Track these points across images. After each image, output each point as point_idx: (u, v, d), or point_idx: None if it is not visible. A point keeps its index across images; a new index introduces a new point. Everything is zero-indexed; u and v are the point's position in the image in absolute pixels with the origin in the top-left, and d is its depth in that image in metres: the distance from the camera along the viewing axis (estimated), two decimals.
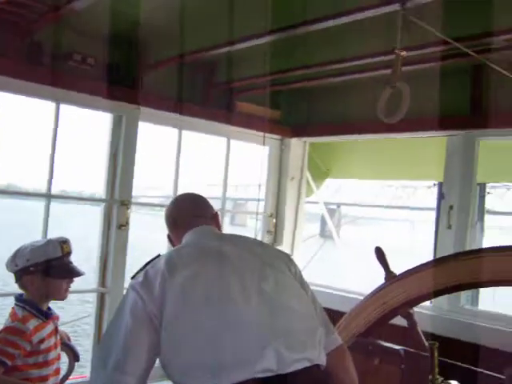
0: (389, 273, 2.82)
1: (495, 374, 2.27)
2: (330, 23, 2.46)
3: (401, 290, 2.73)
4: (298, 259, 4.32)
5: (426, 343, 2.61)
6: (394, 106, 2.15)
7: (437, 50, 2.60)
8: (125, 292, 1.61)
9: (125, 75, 3.27)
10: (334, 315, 2.98)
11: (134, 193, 3.43)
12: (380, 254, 2.87)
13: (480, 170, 3.28)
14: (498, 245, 2.41)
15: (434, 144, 3.63)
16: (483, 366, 2.45)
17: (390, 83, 2.12)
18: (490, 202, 3.87)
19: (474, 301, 3.43)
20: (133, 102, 3.30)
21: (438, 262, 2.65)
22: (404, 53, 2.09)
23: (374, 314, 2.81)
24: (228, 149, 3.98)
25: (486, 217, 3.69)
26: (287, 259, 1.84)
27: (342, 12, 2.37)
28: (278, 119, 4.06)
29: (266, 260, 1.73)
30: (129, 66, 3.28)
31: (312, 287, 3.98)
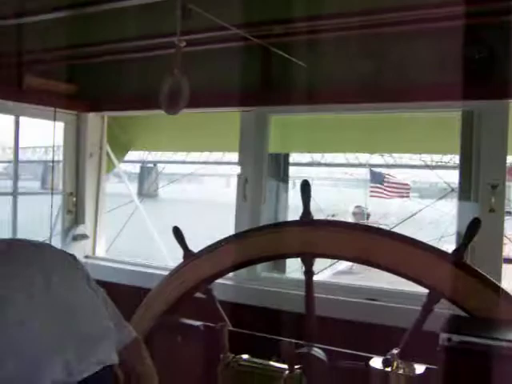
0: (186, 251, 2.89)
1: (289, 340, 2.45)
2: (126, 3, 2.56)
3: (197, 268, 2.83)
4: (103, 236, 4.24)
5: (226, 318, 2.78)
6: (176, 95, 2.16)
7: (222, 33, 2.69)
8: None
9: None
10: (142, 293, 3.04)
11: None
12: (178, 233, 2.92)
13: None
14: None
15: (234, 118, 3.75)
16: (280, 330, 2.67)
17: (171, 75, 2.13)
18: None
19: (282, 268, 3.67)
20: None
21: (229, 240, 2.78)
22: (184, 44, 2.10)
23: (174, 293, 2.88)
24: (17, 127, 3.66)
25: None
26: (71, 263, 1.76)
27: None
28: (74, 94, 3.85)
29: (47, 269, 1.64)
30: None
31: (117, 265, 3.96)
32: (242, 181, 3.43)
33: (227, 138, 4.11)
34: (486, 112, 2.77)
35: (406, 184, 20.14)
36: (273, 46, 2.93)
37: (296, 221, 2.62)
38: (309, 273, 2.59)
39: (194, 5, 2.21)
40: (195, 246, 2.95)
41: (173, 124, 4.08)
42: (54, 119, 3.41)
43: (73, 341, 1.48)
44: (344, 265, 10.56)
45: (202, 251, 2.85)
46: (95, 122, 4.07)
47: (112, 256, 4.21)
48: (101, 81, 3.91)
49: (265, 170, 3.42)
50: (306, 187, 2.56)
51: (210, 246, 2.84)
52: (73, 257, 1.80)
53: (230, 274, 3.10)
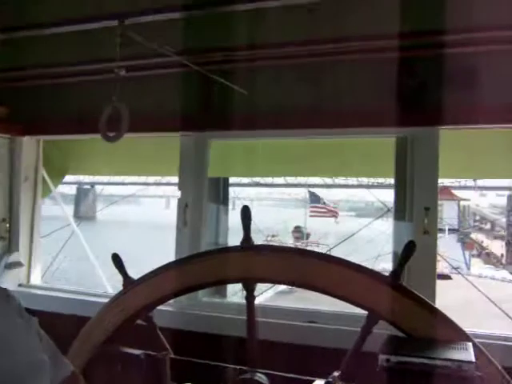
0: (126, 278, 2.84)
1: (232, 366, 2.44)
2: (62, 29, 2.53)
3: (138, 295, 2.78)
4: (39, 263, 4.10)
5: (167, 346, 2.74)
6: (115, 123, 2.15)
7: (162, 60, 2.71)
8: None
9: None
10: (80, 322, 2.95)
11: None
12: (117, 260, 2.86)
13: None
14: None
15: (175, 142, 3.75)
16: (222, 355, 2.66)
17: (110, 102, 2.12)
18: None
19: (223, 293, 3.66)
20: None
21: (170, 267, 2.75)
22: (123, 72, 2.10)
23: (113, 321, 2.80)
24: None
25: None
26: (3, 297, 1.70)
27: (65, 21, 2.46)
28: (6, 117, 3.73)
29: None
30: None
31: (54, 293, 3.83)
32: (183, 206, 3.41)
33: (167, 162, 4.11)
34: (418, 138, 2.90)
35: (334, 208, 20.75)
36: (213, 73, 2.97)
37: (236, 246, 2.63)
38: (250, 298, 2.59)
39: (134, 31, 2.21)
40: (135, 269, 2.90)
41: (111, 148, 4.01)
42: None
43: (3, 378, 1.42)
44: (285, 285, 10.64)
45: (142, 278, 2.80)
46: (30, 146, 3.95)
47: (48, 283, 4.08)
48: (35, 104, 3.82)
49: (205, 194, 3.42)
50: (246, 212, 2.58)
51: (150, 273, 2.80)
52: (6, 293, 1.73)
53: (171, 300, 3.06)
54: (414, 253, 2.26)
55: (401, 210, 3.05)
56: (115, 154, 4.16)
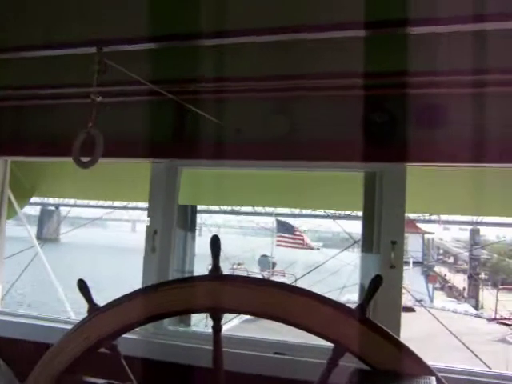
0: (91, 305, 2.79)
1: None
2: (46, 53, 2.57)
3: (102, 323, 2.72)
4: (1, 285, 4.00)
5: (131, 376, 2.69)
6: (89, 150, 2.14)
7: (141, 88, 2.73)
8: None
9: None
10: (41, 349, 2.87)
11: None
12: (82, 286, 2.82)
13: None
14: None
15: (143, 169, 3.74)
16: None
17: (85, 128, 2.11)
18: None
19: (187, 321, 3.63)
20: None
21: (136, 295, 2.72)
22: (100, 98, 2.11)
23: (76, 349, 2.73)
24: None
25: None
26: None
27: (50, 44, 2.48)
28: None
29: None
30: None
31: (14, 318, 3.73)
32: (151, 232, 3.39)
33: (136, 187, 4.09)
34: (386, 173, 2.97)
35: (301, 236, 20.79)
36: (186, 102, 3.00)
37: (205, 276, 2.62)
38: (217, 327, 2.58)
39: (109, 59, 2.22)
40: (100, 295, 2.85)
41: (80, 171, 3.99)
42: None
43: None
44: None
45: (107, 305, 2.75)
46: None
47: (8, 307, 3.96)
48: (3, 125, 3.78)
49: (175, 221, 3.41)
50: (215, 242, 2.58)
51: (116, 300, 2.75)
52: None
53: (136, 328, 3.02)
54: (380, 287, 2.30)
55: (368, 243, 3.10)
56: (84, 177, 4.12)
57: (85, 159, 2.16)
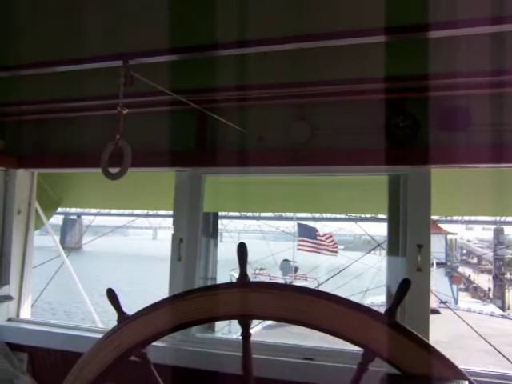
0: (121, 314, 2.82)
1: None
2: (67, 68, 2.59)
3: (132, 331, 2.75)
4: (29, 296, 4.07)
5: (161, 382, 2.71)
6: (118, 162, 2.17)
7: (164, 98, 2.77)
8: None
9: None
10: (72, 358, 2.91)
11: None
12: (112, 295, 2.85)
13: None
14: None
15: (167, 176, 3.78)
16: None
17: (113, 140, 2.15)
18: None
19: (212, 328, 3.66)
20: None
21: (165, 303, 2.74)
22: (127, 111, 2.14)
23: (107, 358, 2.77)
24: None
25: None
26: None
27: (76, 59, 2.51)
28: (1, 149, 3.76)
29: None
30: None
31: (43, 328, 3.78)
32: (177, 241, 3.42)
33: (159, 196, 4.13)
34: (410, 177, 2.96)
35: (332, 240, 20.58)
36: (209, 111, 3.04)
37: (233, 283, 2.64)
38: (246, 334, 2.59)
39: (134, 71, 2.26)
40: (126, 303, 2.88)
41: (105, 182, 4.05)
42: None
43: None
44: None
45: (137, 314, 2.78)
46: (24, 179, 3.96)
47: (38, 316, 4.02)
48: (31, 137, 3.86)
49: (200, 229, 3.43)
50: (242, 249, 2.59)
51: (145, 309, 2.78)
52: None
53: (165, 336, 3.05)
54: (408, 290, 2.29)
55: (394, 246, 3.09)
56: (108, 187, 4.17)
57: (113, 170, 2.18)
